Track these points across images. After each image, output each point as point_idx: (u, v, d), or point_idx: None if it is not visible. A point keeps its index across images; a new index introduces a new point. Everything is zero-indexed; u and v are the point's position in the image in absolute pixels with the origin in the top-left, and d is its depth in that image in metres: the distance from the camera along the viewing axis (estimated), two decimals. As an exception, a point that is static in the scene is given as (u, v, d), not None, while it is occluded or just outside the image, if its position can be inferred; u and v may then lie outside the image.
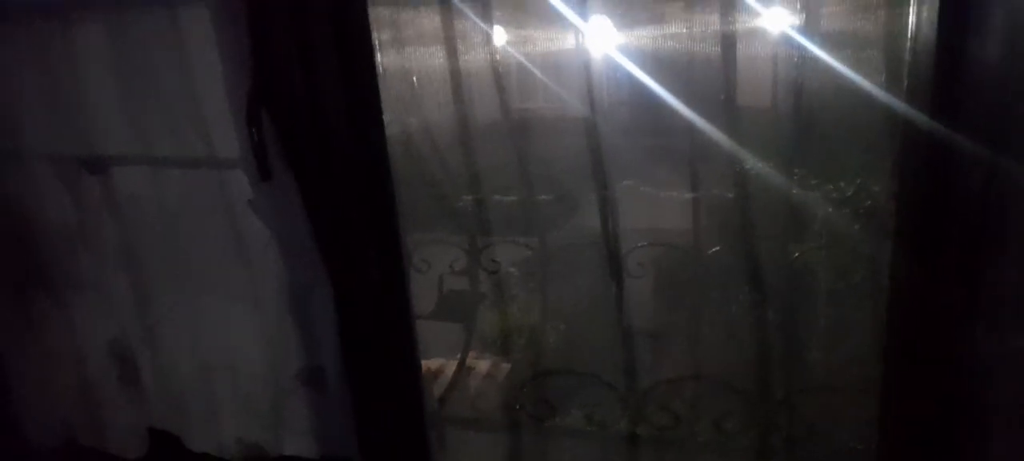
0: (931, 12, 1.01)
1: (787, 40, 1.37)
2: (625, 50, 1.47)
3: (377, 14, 1.30)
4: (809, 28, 1.35)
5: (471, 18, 1.48)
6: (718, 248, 1.58)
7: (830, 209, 1.53)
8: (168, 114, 1.30)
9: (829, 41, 1.34)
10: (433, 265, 1.78)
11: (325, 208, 1.28)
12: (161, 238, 1.43)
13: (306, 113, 1.22)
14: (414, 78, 1.53)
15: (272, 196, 1.26)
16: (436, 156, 1.68)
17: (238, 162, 1.26)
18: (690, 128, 1.44)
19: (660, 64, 1.44)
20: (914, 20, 1.09)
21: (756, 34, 1.39)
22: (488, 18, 1.49)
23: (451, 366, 1.92)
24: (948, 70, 1.01)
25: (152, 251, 1.45)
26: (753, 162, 1.44)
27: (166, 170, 1.36)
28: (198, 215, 1.38)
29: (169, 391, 1.55)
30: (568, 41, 1.46)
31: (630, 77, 1.48)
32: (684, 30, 1.40)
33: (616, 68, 1.49)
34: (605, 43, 1.46)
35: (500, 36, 1.53)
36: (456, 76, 1.53)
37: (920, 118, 1.06)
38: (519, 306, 1.91)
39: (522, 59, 1.55)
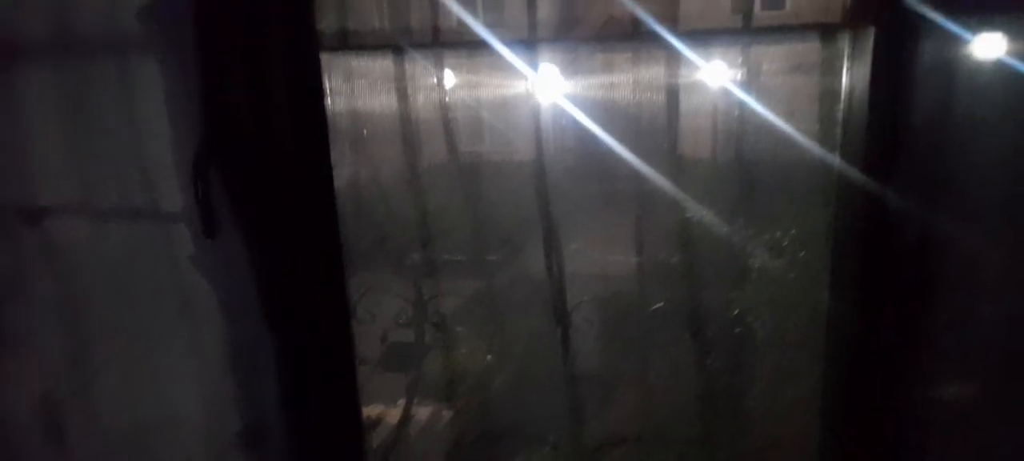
0: (863, 72, 1.06)
1: (727, 95, 1.41)
2: (572, 98, 1.49)
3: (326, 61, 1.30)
4: (749, 84, 1.40)
5: (420, 63, 1.48)
6: (661, 301, 1.60)
7: (770, 260, 1.57)
8: (110, 165, 1.25)
9: (768, 96, 1.39)
10: (378, 316, 1.75)
11: (270, 263, 1.26)
12: (97, 292, 1.37)
13: (255, 168, 1.20)
14: (364, 130, 1.52)
15: (215, 251, 1.23)
16: (381, 203, 1.66)
17: (181, 216, 1.22)
18: (634, 175, 1.47)
19: (606, 113, 1.46)
20: (847, 79, 1.14)
21: (697, 88, 1.43)
22: (439, 64, 1.49)
23: (395, 416, 1.89)
24: (880, 127, 1.06)
25: (87, 305, 1.39)
26: (694, 210, 1.47)
27: (105, 222, 1.31)
28: (137, 269, 1.33)
29: (102, 451, 1.48)
30: (517, 88, 1.48)
31: (575, 124, 1.50)
32: (630, 80, 1.43)
33: (562, 115, 1.51)
34: (552, 91, 1.48)
35: (449, 80, 1.52)
36: (404, 122, 1.52)
37: (854, 173, 1.11)
38: (464, 357, 1.89)
39: (471, 104, 1.56)
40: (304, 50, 1.20)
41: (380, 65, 1.48)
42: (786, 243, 1.60)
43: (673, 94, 1.42)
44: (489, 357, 1.81)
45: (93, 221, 1.31)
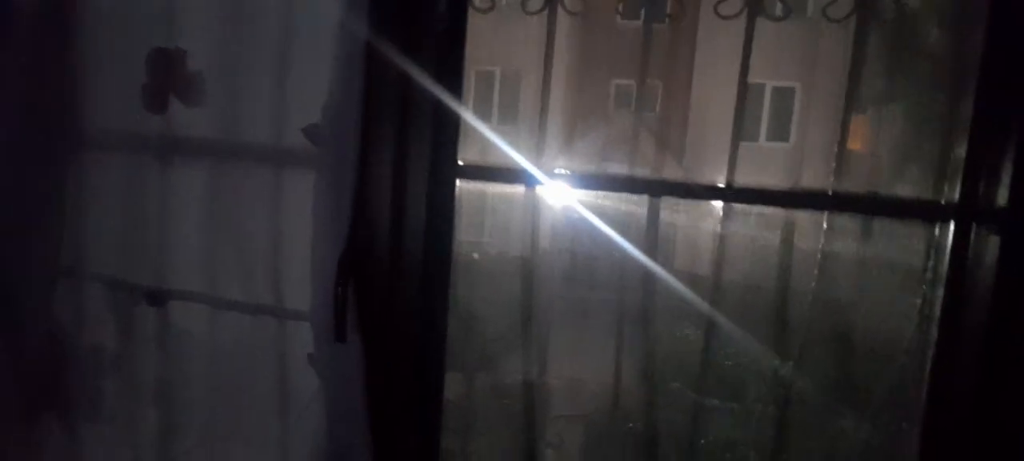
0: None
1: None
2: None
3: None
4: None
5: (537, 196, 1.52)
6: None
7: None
8: (245, 260, 1.33)
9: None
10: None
11: (384, 373, 1.31)
12: (202, 379, 1.42)
13: (388, 282, 1.28)
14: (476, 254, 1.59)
15: (334, 354, 1.28)
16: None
17: (307, 315, 1.28)
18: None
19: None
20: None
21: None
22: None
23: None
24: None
25: (188, 391, 1.43)
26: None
27: (226, 312, 1.37)
28: (248, 361, 1.38)
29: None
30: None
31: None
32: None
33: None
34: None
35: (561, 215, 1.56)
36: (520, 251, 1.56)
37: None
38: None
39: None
40: (445, 177, 1.31)
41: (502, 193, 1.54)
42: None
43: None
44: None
45: (216, 310, 1.38)
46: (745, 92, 1.39)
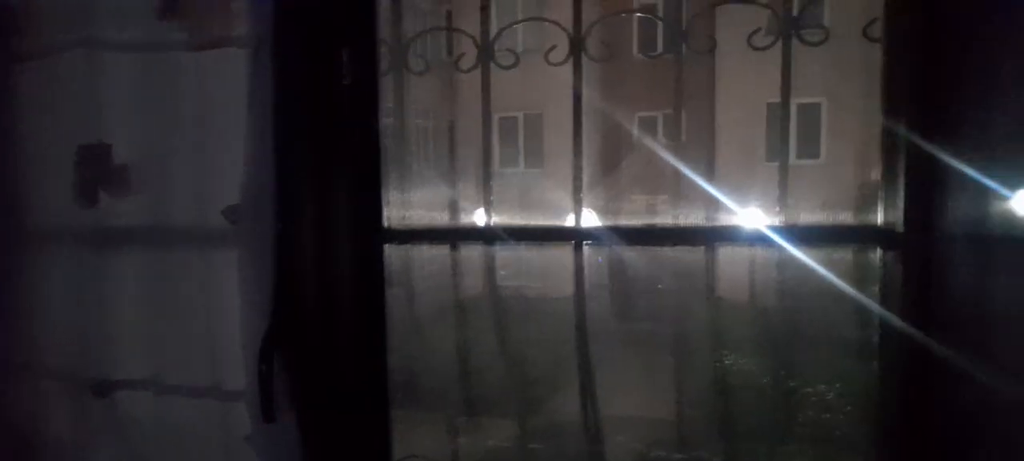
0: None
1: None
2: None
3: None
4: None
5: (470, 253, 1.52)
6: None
7: (811, 412, 1.51)
8: (184, 344, 1.34)
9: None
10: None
11: (323, 449, 1.30)
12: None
13: (319, 355, 1.27)
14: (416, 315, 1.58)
15: (271, 434, 1.27)
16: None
17: (242, 396, 1.28)
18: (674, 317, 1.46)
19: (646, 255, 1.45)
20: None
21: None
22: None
23: None
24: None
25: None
26: (734, 358, 1.44)
27: (168, 398, 1.38)
28: (194, 445, 1.38)
29: None
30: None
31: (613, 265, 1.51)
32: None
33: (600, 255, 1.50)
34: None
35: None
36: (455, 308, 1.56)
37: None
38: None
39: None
40: (369, 243, 1.30)
41: (433, 254, 1.54)
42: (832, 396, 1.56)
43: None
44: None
45: (160, 396, 1.39)
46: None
